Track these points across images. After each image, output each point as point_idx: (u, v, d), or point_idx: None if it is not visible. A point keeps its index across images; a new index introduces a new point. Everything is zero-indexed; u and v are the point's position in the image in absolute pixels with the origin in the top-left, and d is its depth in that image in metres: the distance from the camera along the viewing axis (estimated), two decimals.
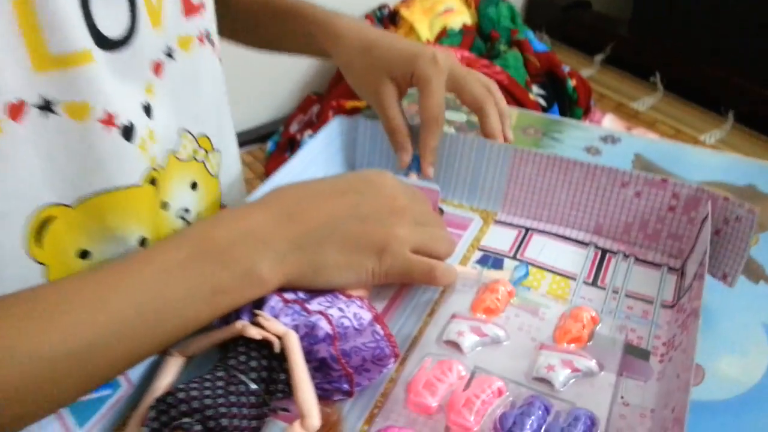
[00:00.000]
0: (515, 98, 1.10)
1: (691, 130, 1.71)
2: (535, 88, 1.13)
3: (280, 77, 1.64)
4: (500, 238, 0.62)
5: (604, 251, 0.61)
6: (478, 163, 0.65)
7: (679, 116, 1.77)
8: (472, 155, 0.65)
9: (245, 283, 0.44)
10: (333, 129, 0.68)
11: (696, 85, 1.84)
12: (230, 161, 0.65)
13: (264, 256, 0.45)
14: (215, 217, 0.46)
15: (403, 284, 0.54)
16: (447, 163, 0.66)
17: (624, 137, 0.78)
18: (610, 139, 0.77)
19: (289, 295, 0.47)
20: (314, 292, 0.48)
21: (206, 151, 0.59)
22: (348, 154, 0.70)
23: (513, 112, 0.82)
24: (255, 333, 0.42)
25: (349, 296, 0.48)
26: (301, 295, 0.48)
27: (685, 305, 0.52)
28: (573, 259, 0.60)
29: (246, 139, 1.69)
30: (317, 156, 0.66)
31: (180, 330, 0.42)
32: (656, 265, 0.59)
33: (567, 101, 1.24)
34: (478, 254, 0.60)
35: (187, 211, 0.58)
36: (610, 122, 1.19)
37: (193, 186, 0.58)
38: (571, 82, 1.43)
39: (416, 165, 0.65)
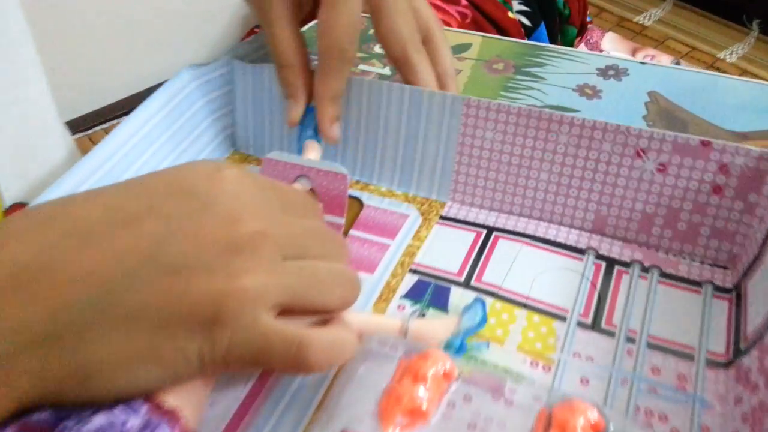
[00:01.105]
0: (488, 17, 0.85)
1: (708, 47, 1.45)
2: (515, 3, 0.88)
3: (217, 13, 1.34)
4: (448, 248, 0.40)
5: (611, 262, 0.38)
6: (413, 125, 0.42)
7: (694, 30, 1.50)
8: (403, 113, 0.42)
9: None
10: (183, 79, 0.44)
11: None
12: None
13: None
14: None
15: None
16: (365, 126, 0.43)
17: (632, 67, 0.54)
18: (612, 71, 0.53)
19: (39, 418, 0.25)
20: (96, 406, 0.26)
21: None
22: (220, 116, 0.47)
23: (475, 40, 0.58)
24: None
25: (157, 409, 0.26)
26: (69, 422, 0.26)
27: (750, 369, 0.30)
28: (561, 279, 0.37)
29: None
30: (161, 125, 0.43)
31: None
32: (693, 284, 0.37)
33: (557, 18, 0.98)
34: (410, 280, 0.38)
35: None
36: (611, 43, 0.94)
37: None
38: None
39: (312, 127, 0.41)
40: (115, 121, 0.88)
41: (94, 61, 0.90)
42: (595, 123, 0.38)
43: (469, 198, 0.42)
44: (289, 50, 0.41)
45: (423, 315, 0.36)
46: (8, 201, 0.40)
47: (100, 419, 0.25)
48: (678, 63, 0.95)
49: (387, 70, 0.54)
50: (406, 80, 0.42)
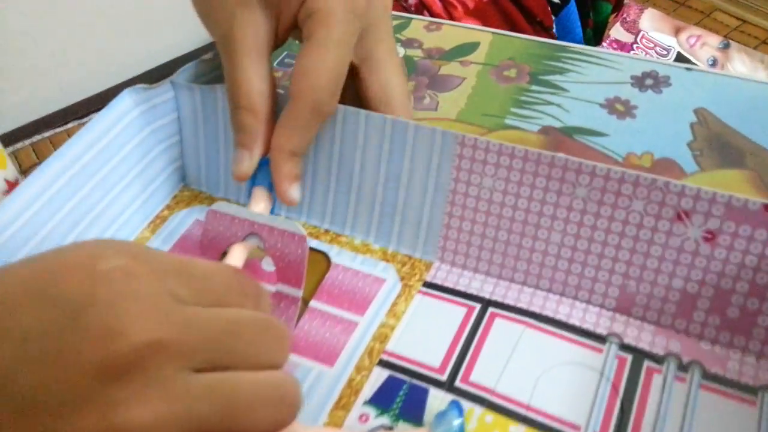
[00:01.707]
0: None
1: (760, 18, 1.31)
2: None
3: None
4: (430, 331, 0.31)
5: (639, 354, 0.30)
6: (395, 164, 0.33)
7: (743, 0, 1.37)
8: (383, 150, 0.33)
9: None
10: (126, 104, 0.36)
11: None
12: None
13: None
14: None
15: None
16: (338, 163, 0.35)
17: (675, 75, 0.44)
18: (651, 80, 0.44)
19: None
20: None
21: None
22: (169, 146, 0.38)
23: (483, 38, 0.48)
24: None
25: None
26: None
27: None
28: (573, 379, 0.29)
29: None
30: (101, 156, 0.35)
31: None
32: (747, 390, 0.28)
33: None
34: (378, 376, 0.30)
35: None
36: (650, 21, 0.83)
37: None
38: None
39: (266, 182, 0.33)
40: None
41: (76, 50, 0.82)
42: (624, 174, 0.29)
43: (460, 259, 0.34)
44: (253, 89, 0.32)
45: (390, 429, 0.28)
46: None
47: None
48: (727, 44, 0.84)
49: None
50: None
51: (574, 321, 0.31)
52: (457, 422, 0.26)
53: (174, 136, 0.38)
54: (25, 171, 0.70)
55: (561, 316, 0.31)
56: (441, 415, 0.27)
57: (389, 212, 0.34)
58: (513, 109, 0.42)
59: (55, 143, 0.75)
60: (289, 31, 0.33)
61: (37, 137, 0.75)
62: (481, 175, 0.32)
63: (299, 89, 0.31)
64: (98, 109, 0.35)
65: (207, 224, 0.32)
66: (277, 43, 0.34)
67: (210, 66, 0.39)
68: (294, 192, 0.32)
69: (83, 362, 0.19)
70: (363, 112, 0.33)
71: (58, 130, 0.77)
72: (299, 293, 0.30)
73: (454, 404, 0.27)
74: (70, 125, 0.78)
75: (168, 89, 0.36)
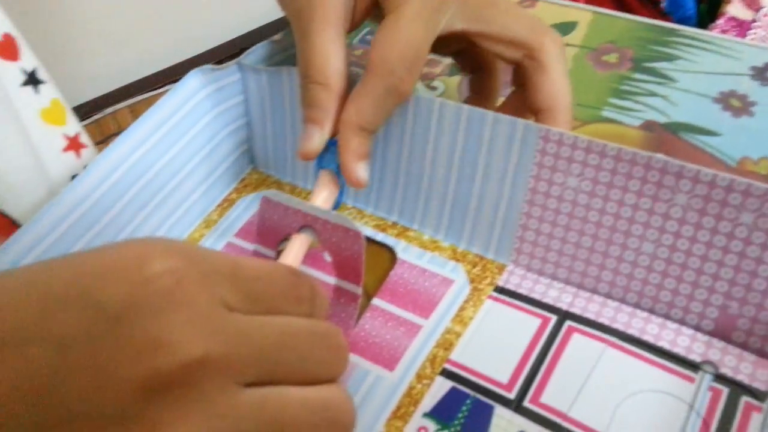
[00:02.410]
0: None
1: None
2: None
3: None
4: (500, 341, 0.29)
5: (737, 387, 0.26)
6: (470, 157, 0.31)
7: None
8: (458, 141, 0.31)
9: None
10: (193, 85, 0.35)
11: None
12: None
13: None
14: None
15: None
16: (409, 153, 0.32)
17: None
18: None
19: None
20: None
21: None
22: (236, 129, 0.37)
23: (582, 17, 0.44)
24: None
25: None
26: None
27: None
28: (658, 410, 0.26)
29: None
30: (168, 138, 0.34)
31: None
32: None
33: None
34: (441, 387, 0.27)
35: None
36: (737, 8, 0.75)
37: None
38: None
39: (334, 164, 0.31)
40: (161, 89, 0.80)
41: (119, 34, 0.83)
42: (733, 182, 0.26)
43: (537, 263, 0.31)
44: (328, 63, 0.30)
45: None
46: None
47: None
48: None
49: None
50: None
51: (664, 343, 0.28)
52: None
53: (242, 118, 0.37)
54: (104, 140, 0.72)
55: (648, 337, 0.28)
56: None
57: (461, 208, 0.32)
58: (611, 100, 0.38)
59: (136, 112, 0.76)
60: (367, 11, 0.31)
61: (117, 106, 0.77)
62: (565, 174, 0.29)
63: (373, 61, 0.29)
64: (175, 81, 0.35)
65: (262, 212, 0.30)
66: (354, 23, 0.31)
67: (279, 47, 0.37)
68: (362, 171, 0.30)
69: (125, 376, 0.18)
70: (437, 99, 0.30)
71: (137, 98, 0.79)
72: (358, 290, 0.28)
73: None
74: (148, 95, 0.79)
75: (235, 71, 0.35)
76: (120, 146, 0.32)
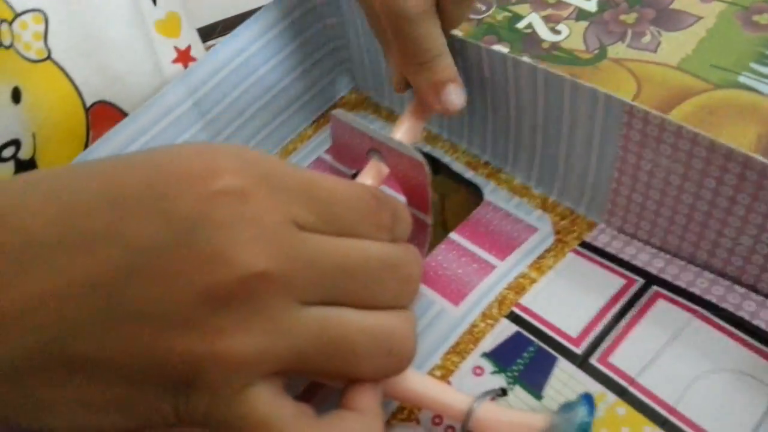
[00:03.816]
0: None
1: None
2: None
3: None
4: (575, 295, 0.27)
5: None
6: (553, 116, 0.29)
7: None
8: (539, 100, 0.29)
9: None
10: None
11: None
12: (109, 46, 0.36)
13: None
14: None
15: None
16: (492, 102, 0.31)
17: None
18: None
19: None
20: None
21: (9, 23, 0.32)
22: (338, 47, 0.37)
23: None
24: None
25: None
26: None
27: None
28: (736, 391, 0.24)
29: None
30: (270, 47, 0.34)
31: None
32: None
33: None
34: (504, 330, 0.26)
35: (17, 146, 0.33)
36: None
37: (16, 96, 0.32)
38: None
39: None
40: None
41: None
42: None
43: (630, 227, 0.29)
44: (439, 39, 0.28)
45: (503, 394, 0.25)
46: (89, 99, 0.35)
47: None
48: None
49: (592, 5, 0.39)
50: None
51: (759, 322, 0.25)
52: (585, 418, 0.22)
53: (344, 37, 0.36)
54: None
55: (743, 314, 0.26)
56: (568, 407, 0.23)
57: (551, 161, 0.30)
58: (753, 65, 0.35)
59: None
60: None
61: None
62: (654, 153, 0.26)
63: None
64: None
65: (333, 129, 0.29)
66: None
67: None
68: (452, 95, 0.28)
69: (189, 284, 0.18)
70: (510, 57, 0.28)
71: None
72: (428, 219, 0.27)
73: (586, 398, 0.23)
74: None
75: None
76: (225, 48, 0.32)
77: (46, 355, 0.18)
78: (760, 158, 0.23)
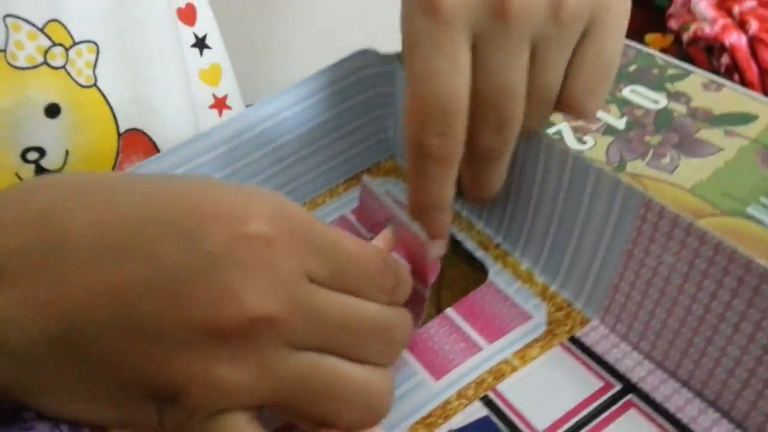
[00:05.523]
0: None
1: None
2: None
3: None
4: (553, 390, 0.28)
5: None
6: (573, 201, 0.30)
7: None
8: (563, 184, 0.30)
9: None
10: (360, 62, 0.37)
11: None
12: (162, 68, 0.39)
13: None
14: None
15: None
16: (517, 185, 0.32)
17: None
18: None
19: None
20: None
21: (66, 48, 0.35)
22: (383, 114, 0.39)
23: (765, 112, 0.40)
24: None
25: None
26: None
27: None
28: None
29: None
30: (321, 104, 0.37)
31: None
32: None
33: None
34: (474, 412, 0.27)
35: (41, 154, 0.36)
36: None
37: (52, 111, 0.35)
38: None
39: None
40: None
41: None
42: None
43: (623, 328, 0.29)
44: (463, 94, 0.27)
45: None
46: (123, 125, 0.38)
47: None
48: None
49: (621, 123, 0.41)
50: None
51: None
52: None
53: (393, 106, 0.38)
54: None
55: None
56: None
57: (560, 248, 0.31)
58: (763, 199, 0.35)
59: None
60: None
61: None
62: (662, 248, 0.27)
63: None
64: None
65: (362, 194, 0.32)
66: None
67: None
68: (436, 249, 0.30)
69: (200, 312, 0.20)
70: (545, 139, 0.30)
71: None
72: (426, 293, 0.29)
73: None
74: None
75: (393, 59, 0.37)
76: (275, 102, 0.35)
77: (58, 347, 0.21)
78: (763, 262, 0.24)
